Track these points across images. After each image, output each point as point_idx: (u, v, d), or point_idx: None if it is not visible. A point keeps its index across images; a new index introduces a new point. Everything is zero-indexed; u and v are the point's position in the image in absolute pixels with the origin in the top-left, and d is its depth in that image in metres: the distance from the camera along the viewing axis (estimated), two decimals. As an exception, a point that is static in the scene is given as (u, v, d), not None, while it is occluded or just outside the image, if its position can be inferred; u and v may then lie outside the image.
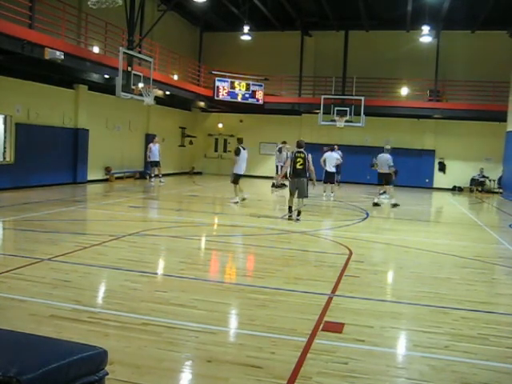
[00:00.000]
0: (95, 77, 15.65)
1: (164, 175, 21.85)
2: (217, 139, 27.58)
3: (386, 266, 7.55)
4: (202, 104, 23.57)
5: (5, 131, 14.90)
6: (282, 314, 4.86)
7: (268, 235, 9.47)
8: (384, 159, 15.19)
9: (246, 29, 21.66)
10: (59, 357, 2.39)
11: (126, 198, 14.79)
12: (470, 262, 7.78)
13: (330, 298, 5.44)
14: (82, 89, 17.51)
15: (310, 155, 11.51)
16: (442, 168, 24.54)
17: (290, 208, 11.74)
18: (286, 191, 14.82)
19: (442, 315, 5.07)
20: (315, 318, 4.76)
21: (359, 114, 22.40)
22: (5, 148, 14.88)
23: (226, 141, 27.43)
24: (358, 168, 24.59)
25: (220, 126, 27.23)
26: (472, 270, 7.23)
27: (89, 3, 12.90)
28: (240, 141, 14.50)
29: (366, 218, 12.35)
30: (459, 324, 4.83)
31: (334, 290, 5.77)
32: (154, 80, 16.00)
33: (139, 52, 15.98)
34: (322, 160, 17.30)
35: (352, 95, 23.03)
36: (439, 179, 24.52)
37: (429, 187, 24.32)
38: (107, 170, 19.48)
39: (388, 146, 15.83)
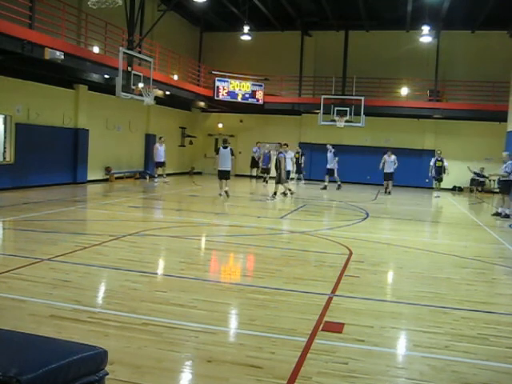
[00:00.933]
0: (95, 77, 15.65)
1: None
2: (217, 139, 27.54)
3: (386, 266, 7.55)
4: (201, 104, 23.56)
5: (5, 131, 14.90)
6: (282, 314, 4.86)
7: (268, 235, 9.47)
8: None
9: (246, 29, 21.66)
10: (59, 357, 2.39)
11: (126, 198, 14.79)
12: (470, 262, 7.78)
13: (330, 298, 5.44)
14: (82, 89, 17.51)
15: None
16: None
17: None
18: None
19: (442, 315, 5.07)
20: (315, 317, 4.76)
21: (359, 114, 22.40)
22: (5, 148, 14.88)
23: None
24: (358, 168, 24.63)
25: (220, 125, 27.22)
26: (472, 270, 7.23)
27: (89, 3, 12.91)
28: (224, 141, 15.91)
29: (366, 218, 12.35)
30: (459, 324, 4.83)
31: (334, 290, 5.77)
32: (154, 80, 16.01)
33: (139, 52, 15.97)
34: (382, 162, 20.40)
35: (352, 95, 23.03)
36: (439, 179, 24.48)
37: (429, 187, 24.30)
38: (107, 170, 19.48)
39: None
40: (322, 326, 4.57)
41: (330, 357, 3.91)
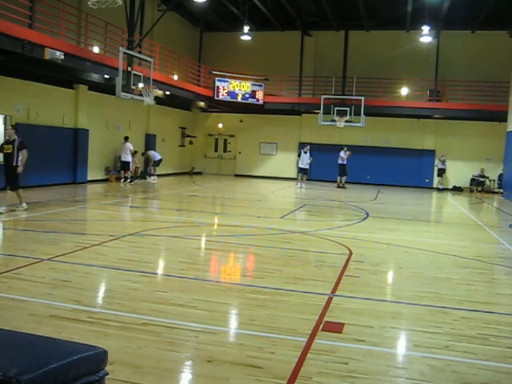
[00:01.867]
0: (95, 77, 15.64)
1: (164, 175, 21.87)
2: (217, 139, 27.58)
3: (386, 265, 7.55)
4: (201, 104, 23.56)
5: (5, 131, 14.88)
6: (282, 314, 4.86)
7: (268, 235, 9.47)
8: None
9: (246, 29, 21.67)
10: (59, 357, 2.38)
11: (125, 198, 14.80)
12: (469, 262, 7.78)
13: (330, 298, 5.44)
14: (82, 89, 17.50)
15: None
16: (442, 168, 24.53)
17: None
18: (286, 191, 14.80)
19: (441, 315, 5.07)
20: (315, 318, 4.76)
21: (359, 114, 22.40)
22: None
23: (226, 141, 27.45)
24: (358, 168, 24.62)
25: (220, 125, 27.23)
26: (472, 270, 7.22)
27: (89, 3, 12.90)
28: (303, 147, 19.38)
29: (365, 218, 12.35)
30: (459, 324, 4.83)
31: (334, 290, 5.77)
32: (154, 80, 16.00)
33: (139, 52, 15.97)
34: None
35: (352, 95, 23.03)
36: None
37: (429, 187, 24.32)
38: (107, 170, 19.49)
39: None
40: (322, 326, 4.57)
41: (329, 357, 3.91)
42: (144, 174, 21.24)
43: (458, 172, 23.98)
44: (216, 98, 23.07)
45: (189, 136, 26.37)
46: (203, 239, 9.23)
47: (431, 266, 7.40)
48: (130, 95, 14.63)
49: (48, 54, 12.36)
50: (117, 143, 19.98)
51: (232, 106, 24.38)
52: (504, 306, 5.56)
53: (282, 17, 23.72)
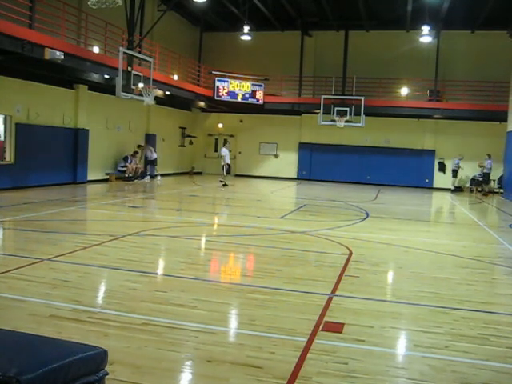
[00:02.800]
0: (95, 77, 15.64)
1: (164, 175, 21.87)
2: (217, 139, 27.56)
3: (386, 266, 7.55)
4: (201, 104, 23.56)
5: (5, 131, 14.90)
6: (282, 314, 4.86)
7: (268, 235, 9.47)
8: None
9: (246, 29, 21.67)
10: (59, 357, 2.38)
11: (125, 198, 14.79)
12: (470, 262, 7.78)
13: (330, 298, 5.44)
14: (82, 89, 17.50)
15: None
16: (442, 168, 24.55)
17: None
18: (286, 190, 14.82)
19: (441, 315, 5.07)
20: (315, 318, 4.76)
21: (359, 114, 22.40)
22: (5, 148, 14.88)
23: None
24: (358, 168, 24.63)
25: (220, 125, 27.23)
26: (472, 270, 7.22)
27: (89, 3, 12.90)
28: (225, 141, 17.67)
29: (366, 218, 12.35)
30: (459, 324, 4.82)
31: (334, 290, 5.77)
32: (154, 80, 16.00)
33: (139, 52, 15.97)
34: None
35: (352, 95, 23.04)
36: (439, 179, 24.52)
37: (429, 187, 24.32)
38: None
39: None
40: (322, 326, 4.57)
41: (329, 357, 3.91)
42: (144, 175, 21.24)
43: (458, 172, 23.95)
44: (216, 98, 23.06)
45: (189, 136, 26.37)
46: (203, 239, 9.23)
47: (431, 266, 7.40)
48: (130, 95, 14.63)
49: (48, 54, 12.36)
50: (117, 143, 20.00)
51: (232, 106, 24.37)
52: (504, 306, 5.56)
53: (281, 17, 23.72)
